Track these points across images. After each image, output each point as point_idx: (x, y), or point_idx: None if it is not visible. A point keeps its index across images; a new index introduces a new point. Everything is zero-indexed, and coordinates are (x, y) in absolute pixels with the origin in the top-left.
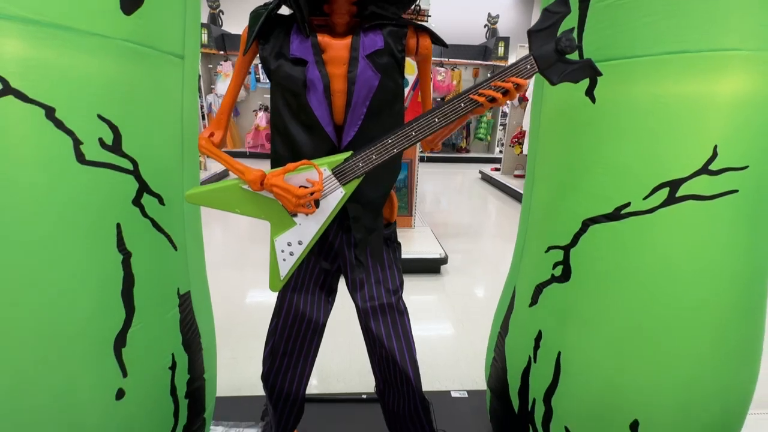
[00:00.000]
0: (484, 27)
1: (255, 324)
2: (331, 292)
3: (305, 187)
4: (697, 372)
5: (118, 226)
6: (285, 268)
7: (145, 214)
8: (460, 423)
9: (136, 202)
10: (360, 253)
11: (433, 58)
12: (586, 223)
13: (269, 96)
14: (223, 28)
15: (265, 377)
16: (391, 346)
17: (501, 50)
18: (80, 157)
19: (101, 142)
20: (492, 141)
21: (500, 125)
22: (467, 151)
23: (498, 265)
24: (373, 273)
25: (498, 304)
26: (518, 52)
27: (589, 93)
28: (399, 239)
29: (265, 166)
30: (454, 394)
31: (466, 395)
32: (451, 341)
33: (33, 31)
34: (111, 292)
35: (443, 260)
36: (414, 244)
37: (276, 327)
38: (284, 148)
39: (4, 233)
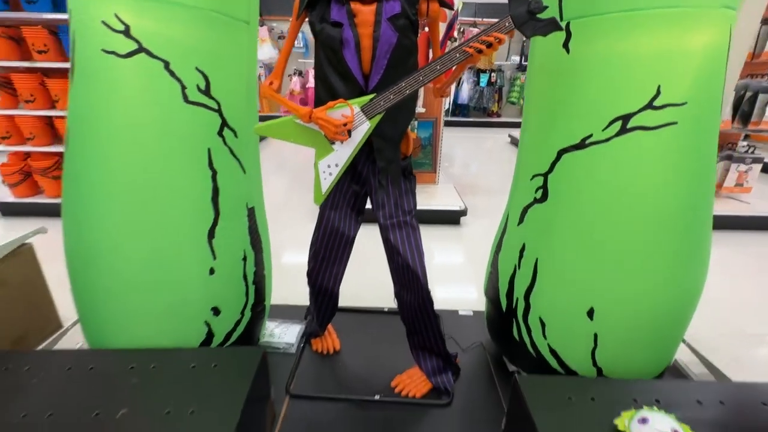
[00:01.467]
0: None
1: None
2: (360, 213)
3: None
4: (645, 269)
5: (209, 150)
6: (325, 185)
7: (225, 143)
8: (464, 333)
9: (219, 133)
10: (382, 178)
11: (466, 19)
12: (560, 153)
13: (303, 61)
14: None
15: (309, 275)
16: (405, 253)
17: None
18: (185, 98)
19: (198, 87)
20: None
21: None
22: (498, 116)
23: None
24: (393, 196)
25: (496, 230)
26: None
27: (565, 45)
28: (423, 194)
29: None
30: (461, 313)
31: (471, 314)
32: (465, 280)
33: (154, 7)
34: (204, 199)
35: (463, 212)
36: (436, 197)
37: (317, 237)
38: (325, 93)
39: (137, 154)
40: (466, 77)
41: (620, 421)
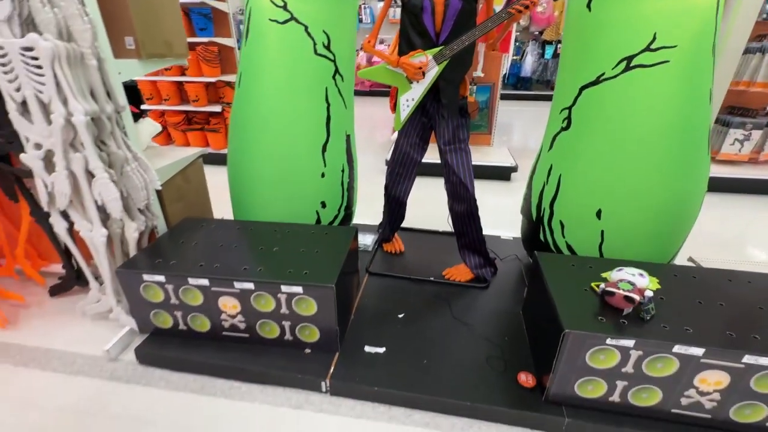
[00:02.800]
0: None
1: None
2: (425, 142)
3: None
4: (643, 175)
5: (326, 89)
6: (403, 114)
7: (335, 84)
8: (504, 250)
9: (333, 77)
10: (444, 112)
11: None
12: (581, 89)
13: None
14: None
15: (386, 187)
16: (459, 171)
17: None
18: (315, 51)
19: (323, 44)
20: None
21: None
22: None
23: None
24: (451, 126)
25: (533, 162)
26: None
27: (588, 6)
28: (478, 153)
29: (364, 102)
30: (502, 237)
31: (511, 238)
32: (511, 225)
33: None
34: (321, 122)
35: (513, 168)
36: (490, 156)
37: (393, 158)
38: (406, 45)
39: (283, 90)
40: (530, 49)
41: (606, 274)
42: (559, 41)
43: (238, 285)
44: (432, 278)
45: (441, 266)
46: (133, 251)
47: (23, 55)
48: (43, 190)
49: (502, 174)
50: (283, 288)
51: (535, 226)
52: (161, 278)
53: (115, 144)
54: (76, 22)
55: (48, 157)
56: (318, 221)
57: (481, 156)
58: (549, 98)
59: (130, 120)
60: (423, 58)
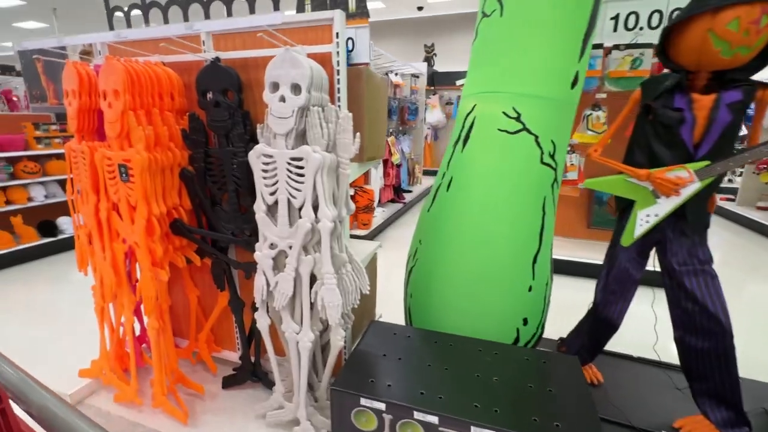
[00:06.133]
0: None
1: None
2: (646, 258)
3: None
4: None
5: (544, 197)
6: (639, 230)
7: (552, 193)
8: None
9: (551, 186)
10: (687, 228)
11: None
12: None
13: None
14: (434, 68)
15: (596, 305)
16: (704, 299)
17: None
18: (541, 160)
19: (549, 153)
20: None
21: None
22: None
23: (731, 300)
24: (687, 245)
25: None
26: None
27: None
28: None
29: None
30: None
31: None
32: None
33: (536, 102)
34: (534, 232)
35: None
36: None
37: (609, 273)
38: (643, 157)
39: (497, 196)
40: None
41: None
42: None
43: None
44: (664, 431)
45: (662, 411)
46: (333, 360)
47: (290, 163)
48: (263, 287)
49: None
50: None
51: None
52: (381, 406)
53: (338, 247)
54: (346, 136)
55: (277, 257)
56: (516, 340)
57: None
58: None
59: (346, 222)
60: (683, 173)
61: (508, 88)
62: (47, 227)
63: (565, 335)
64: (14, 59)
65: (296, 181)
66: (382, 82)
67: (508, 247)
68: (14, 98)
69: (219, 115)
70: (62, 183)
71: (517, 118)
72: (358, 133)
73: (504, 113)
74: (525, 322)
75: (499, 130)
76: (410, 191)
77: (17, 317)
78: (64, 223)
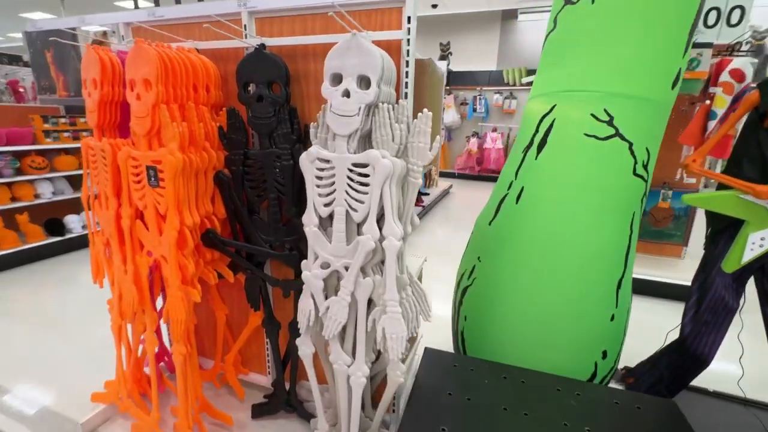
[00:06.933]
0: None
1: None
2: (743, 285)
3: None
4: None
5: (633, 214)
6: (748, 255)
7: (641, 208)
8: None
9: (641, 200)
10: None
11: None
12: None
13: (482, 125)
14: (449, 67)
15: (684, 336)
16: None
17: None
18: (634, 171)
19: (642, 163)
20: None
21: None
22: None
23: None
24: None
25: None
26: None
27: None
28: (663, 266)
29: (471, 186)
30: None
31: None
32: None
33: (632, 103)
34: (621, 254)
35: None
36: (679, 271)
37: (701, 300)
38: (754, 171)
39: (580, 212)
40: None
41: None
42: None
43: None
44: None
45: None
46: (389, 398)
47: (351, 170)
48: (310, 312)
49: None
50: None
51: None
52: None
53: (400, 268)
54: (421, 139)
55: (329, 278)
56: (593, 375)
57: (667, 270)
58: None
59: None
60: None
61: (599, 86)
62: (54, 226)
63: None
64: (21, 49)
65: (359, 192)
66: (441, 77)
67: (591, 271)
68: (21, 89)
69: (262, 110)
70: (70, 179)
71: (609, 122)
72: (438, 137)
73: (593, 115)
74: (604, 354)
75: (586, 134)
76: (427, 194)
77: (23, 324)
78: (72, 221)
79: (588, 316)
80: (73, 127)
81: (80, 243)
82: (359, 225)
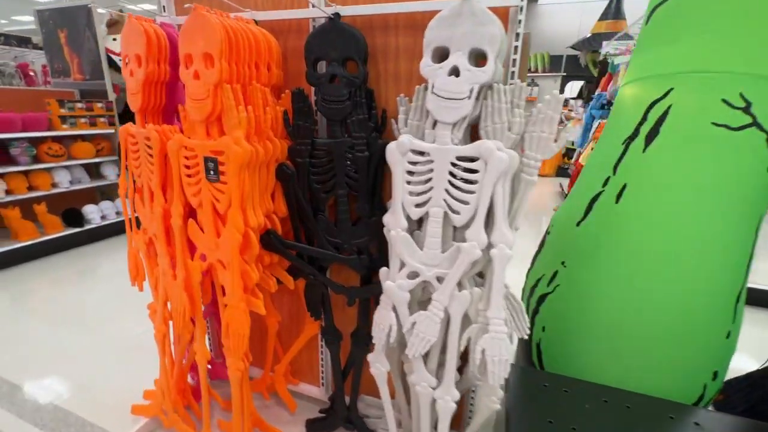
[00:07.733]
0: None
1: None
2: None
3: None
4: None
5: (759, 218)
6: None
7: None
8: None
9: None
10: None
11: None
12: None
13: None
14: None
15: None
16: None
17: None
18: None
19: None
20: None
21: None
22: None
23: None
24: None
25: None
26: None
27: None
28: None
29: None
30: None
31: None
32: None
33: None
34: (743, 262)
35: None
36: None
37: None
38: None
39: (702, 213)
40: None
41: None
42: None
43: None
44: None
45: None
46: (477, 427)
47: (455, 165)
48: (391, 327)
49: None
50: None
51: None
52: None
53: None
54: (544, 128)
55: (416, 289)
56: (701, 397)
57: None
58: None
59: None
60: None
61: (735, 66)
62: (73, 216)
63: None
64: (28, 33)
65: (463, 190)
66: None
67: (709, 281)
68: (31, 73)
69: (335, 93)
70: (87, 167)
71: (746, 109)
72: (569, 124)
73: (725, 101)
74: (714, 375)
75: (715, 124)
76: None
77: (44, 320)
78: (90, 211)
79: (702, 333)
80: (90, 112)
81: (99, 234)
82: (459, 229)
